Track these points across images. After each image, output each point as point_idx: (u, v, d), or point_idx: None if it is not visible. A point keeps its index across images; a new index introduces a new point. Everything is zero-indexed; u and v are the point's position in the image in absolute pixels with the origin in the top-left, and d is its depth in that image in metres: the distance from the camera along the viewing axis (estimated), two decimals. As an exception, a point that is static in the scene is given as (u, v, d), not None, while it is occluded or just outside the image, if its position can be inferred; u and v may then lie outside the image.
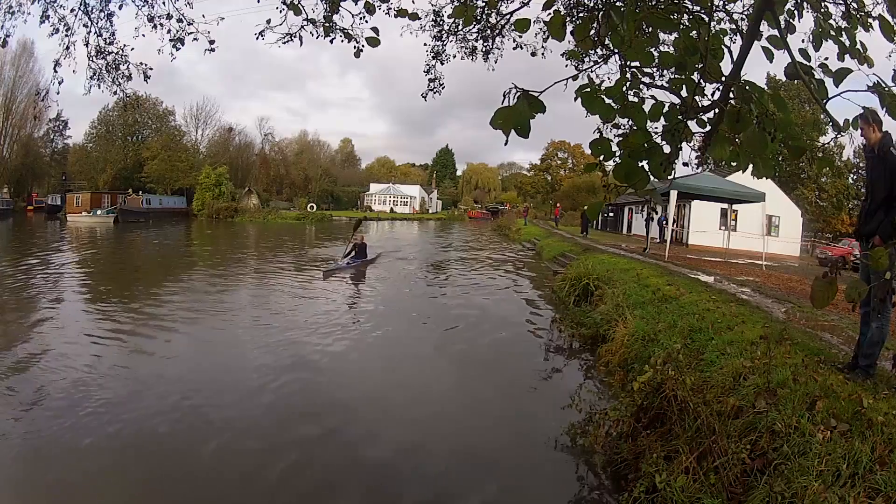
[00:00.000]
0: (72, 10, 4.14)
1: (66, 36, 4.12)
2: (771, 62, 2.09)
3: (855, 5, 2.51)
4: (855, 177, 35.52)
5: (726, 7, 3.05)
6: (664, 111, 1.91)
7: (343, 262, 14.06)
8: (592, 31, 2.41)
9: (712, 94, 2.09)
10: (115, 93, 4.41)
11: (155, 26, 4.19)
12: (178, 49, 4.20)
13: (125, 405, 4.76)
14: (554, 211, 43.27)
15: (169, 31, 4.19)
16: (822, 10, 2.35)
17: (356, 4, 3.83)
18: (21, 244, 20.43)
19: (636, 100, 1.94)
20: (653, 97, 1.99)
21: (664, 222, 20.34)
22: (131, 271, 14.57)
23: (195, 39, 4.20)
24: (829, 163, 2.89)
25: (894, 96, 1.74)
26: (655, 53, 2.18)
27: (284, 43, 4.02)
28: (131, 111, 37.34)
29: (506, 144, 1.63)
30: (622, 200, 31.85)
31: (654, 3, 2.44)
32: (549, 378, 6.16)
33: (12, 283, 10.99)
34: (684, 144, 1.93)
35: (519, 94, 1.57)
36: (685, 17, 2.37)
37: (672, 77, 2.22)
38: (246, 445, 4.17)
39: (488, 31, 5.31)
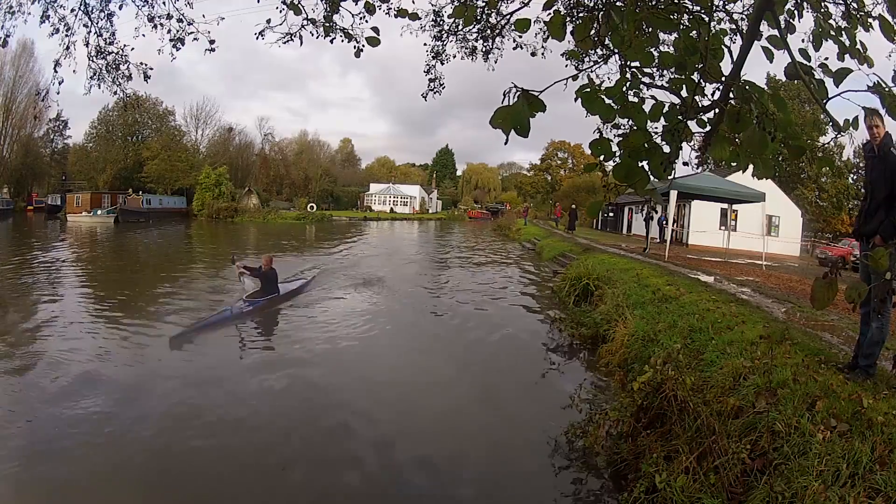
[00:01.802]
0: (72, 10, 4.13)
1: (66, 36, 4.11)
2: (771, 62, 2.09)
3: (855, 5, 2.51)
4: (855, 177, 35.50)
5: (726, 7, 3.05)
6: (664, 111, 1.91)
7: (236, 306, 8.23)
8: (592, 31, 2.40)
9: (712, 94, 2.09)
10: (115, 93, 4.40)
11: (155, 26, 4.19)
12: (178, 49, 4.19)
13: (125, 404, 4.77)
14: (554, 211, 43.25)
15: (169, 31, 4.18)
16: (822, 10, 2.35)
17: (356, 4, 3.83)
18: (21, 244, 20.41)
19: (636, 100, 1.94)
20: (653, 97, 1.99)
21: (664, 222, 20.32)
22: (130, 271, 14.56)
23: (195, 39, 4.19)
24: (829, 163, 2.89)
25: (894, 96, 1.74)
26: (655, 53, 2.18)
27: (284, 43, 4.01)
28: (131, 111, 37.30)
29: (506, 143, 1.62)
30: (622, 200, 31.86)
31: (654, 3, 2.44)
32: (549, 378, 6.15)
33: (12, 284, 10.99)
34: (684, 144, 1.92)
35: (519, 93, 1.57)
36: (685, 17, 2.37)
37: (672, 77, 2.23)
38: (245, 446, 4.18)
39: (488, 31, 5.29)
